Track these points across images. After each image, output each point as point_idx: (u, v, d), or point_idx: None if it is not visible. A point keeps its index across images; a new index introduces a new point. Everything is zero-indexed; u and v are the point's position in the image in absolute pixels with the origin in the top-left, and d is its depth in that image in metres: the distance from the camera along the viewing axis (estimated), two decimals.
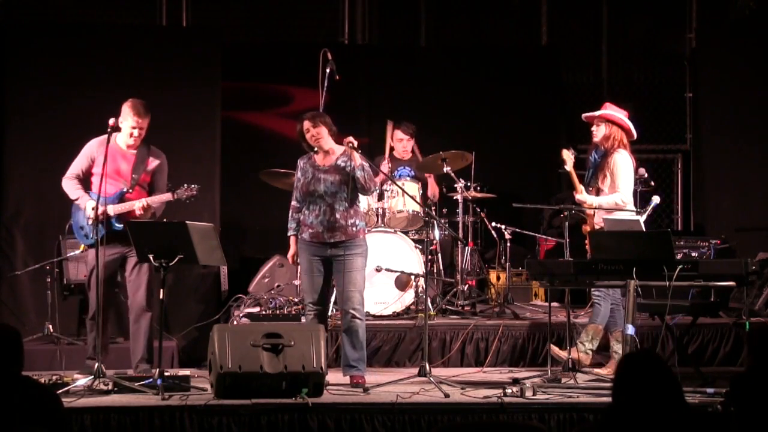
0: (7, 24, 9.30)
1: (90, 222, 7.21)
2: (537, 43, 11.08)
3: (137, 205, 7.24)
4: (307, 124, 7.03)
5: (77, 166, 7.38)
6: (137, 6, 10.32)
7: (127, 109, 7.28)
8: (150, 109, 7.33)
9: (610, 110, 7.50)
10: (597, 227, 7.42)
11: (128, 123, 7.28)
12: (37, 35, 8.97)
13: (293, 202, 7.18)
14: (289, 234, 7.20)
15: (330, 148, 7.04)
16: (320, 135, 7.00)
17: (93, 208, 7.16)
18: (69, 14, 10.06)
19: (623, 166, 7.37)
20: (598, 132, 7.50)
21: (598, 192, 7.48)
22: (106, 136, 7.22)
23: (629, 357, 4.23)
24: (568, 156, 7.58)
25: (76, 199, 7.32)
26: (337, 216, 6.97)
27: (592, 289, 7.48)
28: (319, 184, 7.00)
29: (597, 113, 7.50)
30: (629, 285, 6.64)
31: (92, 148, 7.34)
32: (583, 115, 7.63)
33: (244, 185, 9.82)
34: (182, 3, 10.37)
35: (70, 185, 7.36)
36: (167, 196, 7.35)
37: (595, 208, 7.42)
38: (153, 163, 7.40)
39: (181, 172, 8.40)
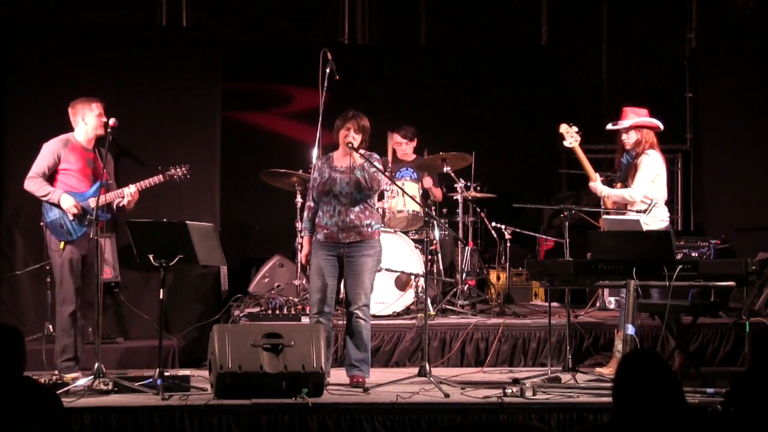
0: (7, 24, 9.30)
1: (72, 218, 7.24)
2: (537, 43, 11.09)
3: (128, 192, 7.36)
4: (352, 124, 7.02)
5: (42, 165, 7.38)
6: (137, 6, 10.32)
7: (94, 107, 7.38)
8: None
9: (634, 116, 7.52)
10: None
11: (93, 119, 7.36)
12: (37, 35, 8.96)
13: (309, 203, 7.16)
14: (303, 234, 7.20)
15: (351, 153, 7.02)
16: (354, 140, 6.99)
17: (74, 204, 7.24)
18: (69, 14, 10.07)
19: (647, 165, 7.40)
20: (629, 139, 7.52)
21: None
22: (65, 136, 7.40)
23: (629, 357, 4.23)
24: (566, 130, 7.61)
25: (46, 195, 7.32)
26: (352, 217, 6.97)
27: (622, 296, 7.44)
28: (334, 184, 6.99)
29: (625, 125, 7.51)
30: (629, 285, 6.64)
31: (57, 146, 7.39)
32: (609, 128, 7.64)
33: (244, 185, 9.82)
34: (182, 3, 10.38)
35: (36, 183, 7.36)
36: (158, 178, 7.48)
37: (605, 199, 7.50)
38: (108, 156, 7.47)
39: None
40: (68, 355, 7.23)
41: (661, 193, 7.48)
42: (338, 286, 7.12)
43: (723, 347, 8.07)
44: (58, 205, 7.30)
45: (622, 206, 7.49)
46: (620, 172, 7.66)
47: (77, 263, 7.30)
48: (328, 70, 8.18)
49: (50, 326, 8.16)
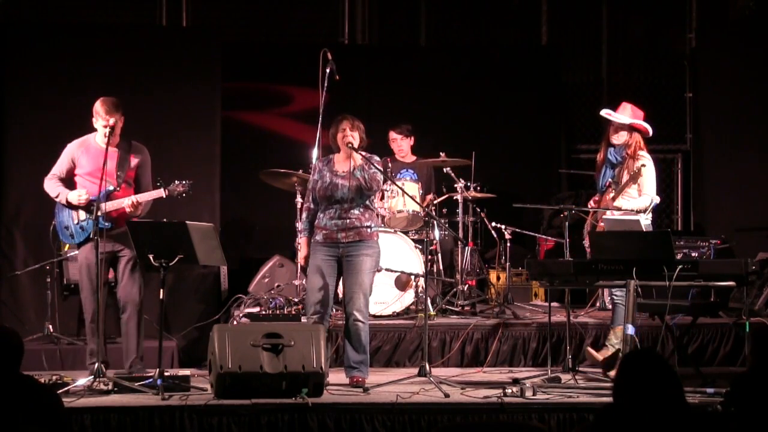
0: (7, 24, 9.30)
1: (77, 221, 7.20)
2: (537, 43, 11.09)
3: (126, 202, 7.18)
4: (346, 124, 7.03)
5: (58, 167, 7.36)
6: (137, 6, 10.32)
7: (96, 108, 7.26)
8: (121, 107, 7.24)
9: (633, 115, 7.49)
10: (600, 227, 7.41)
11: (98, 122, 7.26)
12: (37, 35, 8.97)
13: (308, 204, 7.16)
14: (301, 236, 7.18)
15: (352, 154, 7.02)
16: (354, 138, 7.01)
17: (79, 195, 7.18)
18: (69, 14, 10.06)
19: (649, 171, 7.37)
20: (619, 137, 7.49)
21: (615, 190, 7.45)
22: (86, 137, 7.30)
23: (630, 357, 4.23)
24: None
25: (57, 196, 7.28)
26: (353, 218, 6.98)
27: (613, 292, 7.43)
28: (336, 189, 7.00)
29: (622, 120, 7.48)
30: (629, 285, 6.64)
31: (72, 149, 7.35)
32: (603, 113, 7.61)
33: (245, 185, 9.82)
34: (182, 3, 10.38)
35: (51, 184, 7.34)
36: (158, 193, 7.28)
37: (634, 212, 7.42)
38: (135, 159, 7.38)
39: (182, 172, 8.40)
40: (95, 358, 7.18)
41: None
42: (336, 288, 7.11)
43: (723, 347, 8.07)
44: (68, 205, 7.25)
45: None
46: (604, 170, 7.61)
47: (94, 267, 7.21)
48: (328, 70, 8.18)
49: (50, 326, 8.18)
